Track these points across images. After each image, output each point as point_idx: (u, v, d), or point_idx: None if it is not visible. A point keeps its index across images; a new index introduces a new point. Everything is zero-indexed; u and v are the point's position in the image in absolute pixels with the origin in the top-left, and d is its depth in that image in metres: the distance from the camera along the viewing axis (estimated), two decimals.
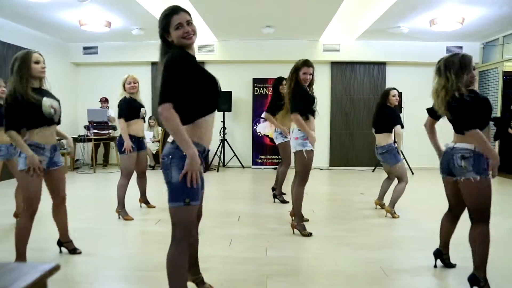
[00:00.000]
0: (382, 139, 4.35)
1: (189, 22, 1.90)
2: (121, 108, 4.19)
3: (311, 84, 3.66)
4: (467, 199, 2.39)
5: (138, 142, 4.27)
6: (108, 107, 8.41)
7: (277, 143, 5.07)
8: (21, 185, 2.73)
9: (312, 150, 3.54)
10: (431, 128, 2.77)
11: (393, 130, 4.31)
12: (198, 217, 2.17)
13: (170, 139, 1.88)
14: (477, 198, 2.34)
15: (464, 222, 2.57)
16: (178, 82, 1.79)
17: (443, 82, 2.38)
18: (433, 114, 2.64)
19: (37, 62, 2.69)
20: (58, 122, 2.87)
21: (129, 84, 4.21)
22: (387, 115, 4.31)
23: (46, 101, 2.68)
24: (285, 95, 3.72)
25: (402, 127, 4.35)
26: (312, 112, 3.59)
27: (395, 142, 4.40)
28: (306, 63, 3.59)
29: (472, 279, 2.37)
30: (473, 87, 2.41)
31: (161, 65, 1.85)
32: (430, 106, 2.63)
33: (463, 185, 2.38)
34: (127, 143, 4.09)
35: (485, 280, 2.34)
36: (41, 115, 2.67)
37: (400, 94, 7.96)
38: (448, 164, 2.46)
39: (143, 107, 4.34)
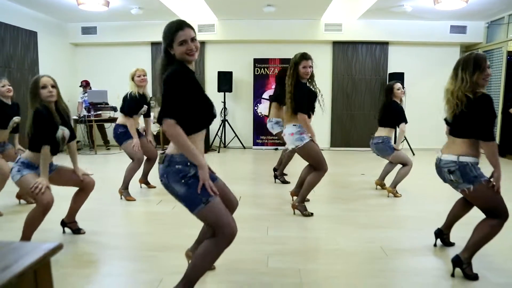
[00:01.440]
0: (382, 132, 4.36)
1: (193, 39, 1.90)
2: (127, 104, 4.17)
3: (312, 77, 3.56)
4: (473, 203, 2.42)
5: (138, 134, 4.30)
6: (89, 89, 8.14)
7: (274, 133, 5.02)
8: (27, 191, 2.72)
9: (311, 140, 3.52)
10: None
11: (396, 126, 4.31)
12: (232, 205, 2.15)
13: (160, 158, 1.91)
14: (481, 203, 2.36)
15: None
16: (180, 99, 1.82)
17: (459, 83, 2.33)
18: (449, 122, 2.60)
19: (43, 87, 2.74)
20: (71, 141, 3.02)
21: (138, 77, 4.18)
22: (394, 111, 4.29)
23: (61, 129, 2.80)
24: (287, 94, 3.57)
25: (406, 122, 4.30)
26: (313, 109, 3.57)
27: (395, 139, 4.40)
28: (304, 56, 3.49)
29: (455, 261, 2.37)
30: (484, 87, 2.35)
31: (161, 77, 1.88)
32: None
33: (463, 195, 2.40)
34: (136, 141, 4.14)
35: (469, 263, 2.35)
36: (54, 140, 2.77)
37: (402, 74, 7.97)
38: (442, 176, 2.47)
39: (147, 105, 4.31)
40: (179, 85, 1.82)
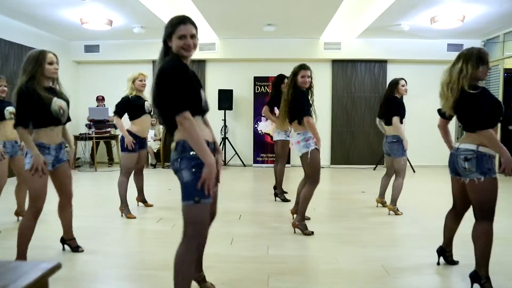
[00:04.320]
0: (392, 130, 4.30)
1: (193, 36, 1.93)
2: (118, 106, 4.23)
3: (310, 87, 3.63)
4: (472, 198, 2.40)
5: (141, 141, 4.27)
6: (104, 105, 8.41)
7: (275, 139, 5.01)
8: (28, 184, 2.72)
9: (317, 149, 3.55)
10: (444, 129, 2.78)
11: (396, 119, 4.20)
12: (212, 216, 2.16)
13: (173, 146, 1.91)
14: (482, 198, 2.35)
15: (468, 219, 2.56)
16: (187, 90, 1.83)
17: (456, 74, 2.36)
18: (444, 114, 2.64)
19: (51, 63, 2.72)
20: (66, 122, 2.90)
21: (140, 81, 4.23)
22: (393, 105, 4.28)
23: (55, 101, 2.71)
24: (283, 102, 3.69)
25: (402, 117, 4.24)
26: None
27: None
28: (302, 67, 3.60)
29: (473, 276, 2.37)
30: (482, 83, 2.41)
31: (158, 66, 1.90)
32: (435, 105, 2.62)
33: (468, 186, 2.38)
34: (128, 139, 4.09)
35: (487, 278, 2.33)
36: (50, 114, 2.69)
37: None
38: (454, 165, 2.47)
39: (147, 100, 4.32)
40: (182, 75, 1.83)
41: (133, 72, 4.29)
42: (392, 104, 4.30)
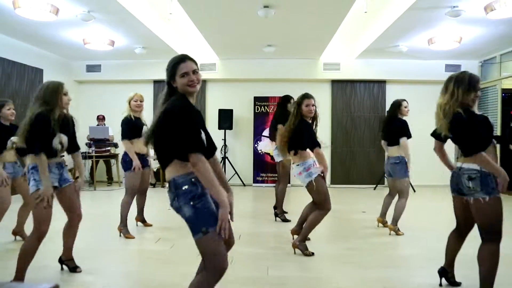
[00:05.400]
0: (395, 151, 4.31)
1: (195, 71, 1.95)
2: (123, 130, 4.21)
3: (315, 117, 3.66)
4: (477, 218, 2.39)
5: (142, 160, 4.26)
6: (104, 124, 8.45)
7: (277, 160, 5.04)
8: (33, 207, 2.70)
9: (320, 175, 3.52)
10: (440, 151, 2.80)
11: (405, 140, 4.24)
12: (229, 243, 2.09)
13: (166, 187, 1.91)
14: (487, 218, 2.34)
15: (470, 239, 2.54)
16: (197, 131, 1.84)
17: (448, 97, 2.40)
18: (439, 137, 2.65)
19: (65, 94, 2.82)
20: (75, 151, 3.05)
21: (135, 101, 4.24)
22: (398, 126, 4.30)
23: (58, 136, 2.78)
24: (286, 128, 3.69)
25: (409, 137, 4.26)
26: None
27: None
28: (306, 96, 3.62)
29: None
30: (473, 107, 2.43)
31: (161, 107, 1.93)
32: (434, 125, 2.63)
33: (473, 205, 2.37)
34: (136, 163, 4.10)
35: None
36: (50, 146, 2.75)
37: None
38: (457, 184, 2.47)
39: (146, 125, 4.34)
40: (191, 118, 1.85)
41: (130, 94, 4.31)
42: (396, 125, 4.31)
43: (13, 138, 3.82)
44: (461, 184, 2.42)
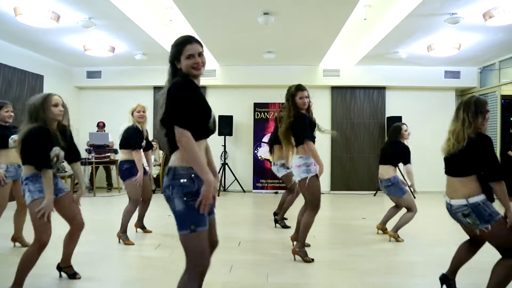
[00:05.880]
0: (385, 171, 4.34)
1: (200, 54, 1.94)
2: (133, 139, 4.14)
3: (309, 108, 3.61)
4: (491, 243, 2.39)
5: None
6: (104, 131, 8.46)
7: (280, 175, 4.91)
8: (32, 217, 2.68)
9: (316, 176, 3.49)
10: None
11: (398, 165, 4.35)
12: (213, 245, 2.10)
13: (165, 171, 1.90)
14: (501, 240, 2.34)
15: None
16: (189, 109, 1.82)
17: (459, 124, 2.41)
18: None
19: (56, 105, 2.76)
20: (76, 161, 3.07)
21: (138, 112, 4.23)
22: (399, 150, 4.32)
23: (54, 150, 2.75)
24: (283, 124, 3.59)
25: (410, 163, 4.32)
26: (313, 139, 3.55)
27: (404, 179, 4.41)
28: (299, 88, 3.56)
29: None
30: (483, 130, 2.43)
31: (167, 86, 1.90)
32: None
33: (481, 235, 2.38)
34: (140, 176, 4.09)
35: None
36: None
37: (399, 118, 8.09)
38: (458, 219, 2.47)
39: (145, 139, 4.33)
40: (189, 95, 1.83)
41: (132, 105, 4.30)
42: (399, 150, 4.32)
43: (14, 137, 3.81)
44: (460, 222, 2.44)
